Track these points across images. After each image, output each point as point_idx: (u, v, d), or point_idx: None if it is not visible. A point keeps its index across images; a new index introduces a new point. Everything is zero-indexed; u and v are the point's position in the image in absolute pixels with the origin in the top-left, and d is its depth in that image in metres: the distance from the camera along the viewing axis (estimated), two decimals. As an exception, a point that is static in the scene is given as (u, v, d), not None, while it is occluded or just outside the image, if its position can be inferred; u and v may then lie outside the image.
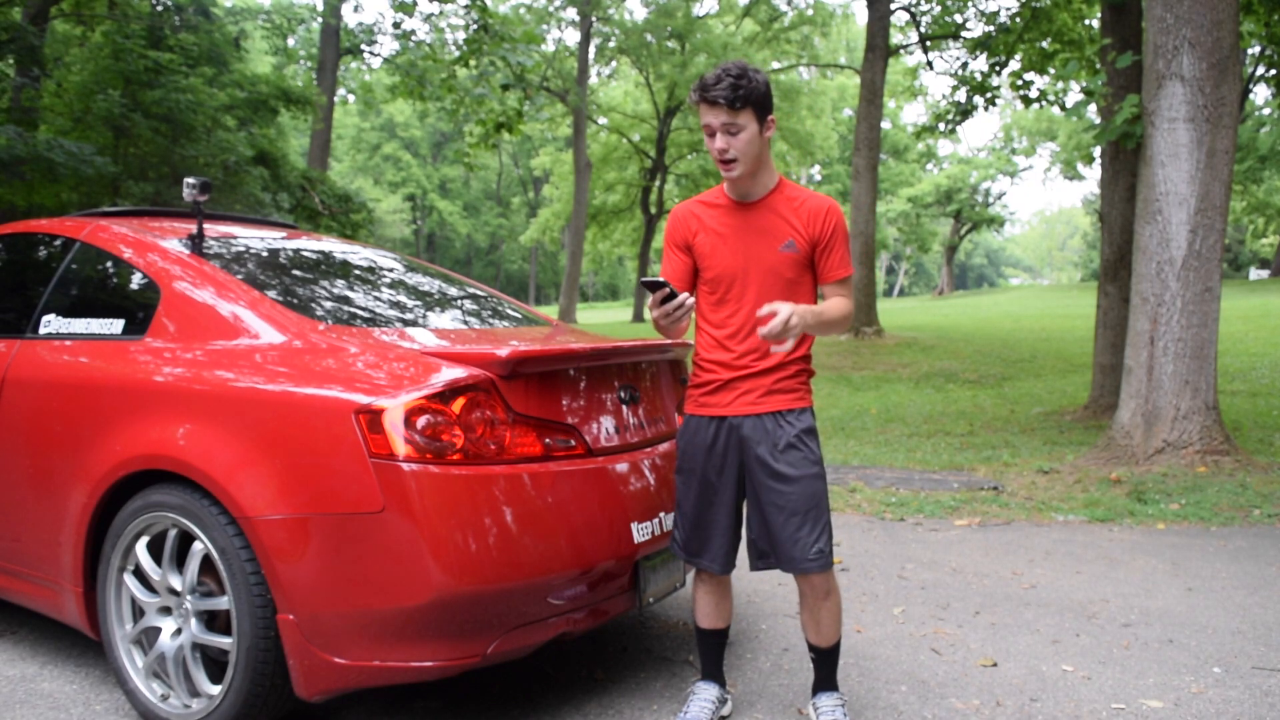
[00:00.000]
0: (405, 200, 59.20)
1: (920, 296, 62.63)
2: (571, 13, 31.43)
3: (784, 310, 2.29)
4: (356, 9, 45.98)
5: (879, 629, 3.54)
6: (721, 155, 2.44)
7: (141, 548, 2.64)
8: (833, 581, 2.60)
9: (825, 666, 2.68)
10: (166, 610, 2.64)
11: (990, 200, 51.93)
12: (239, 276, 2.88)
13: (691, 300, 2.41)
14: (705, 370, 2.60)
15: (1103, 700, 2.90)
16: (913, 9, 18.61)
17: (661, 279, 2.39)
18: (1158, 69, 6.48)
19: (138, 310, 2.89)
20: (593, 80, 35.11)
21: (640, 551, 2.69)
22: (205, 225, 3.21)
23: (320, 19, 22.86)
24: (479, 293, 3.76)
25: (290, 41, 25.90)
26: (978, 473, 6.68)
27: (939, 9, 18.04)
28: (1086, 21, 12.71)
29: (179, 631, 2.60)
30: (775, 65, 32.75)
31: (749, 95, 2.38)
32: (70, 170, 11.47)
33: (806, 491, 2.49)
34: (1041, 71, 12.83)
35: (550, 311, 37.90)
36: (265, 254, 3.24)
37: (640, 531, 2.68)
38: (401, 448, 2.28)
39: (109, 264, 3.13)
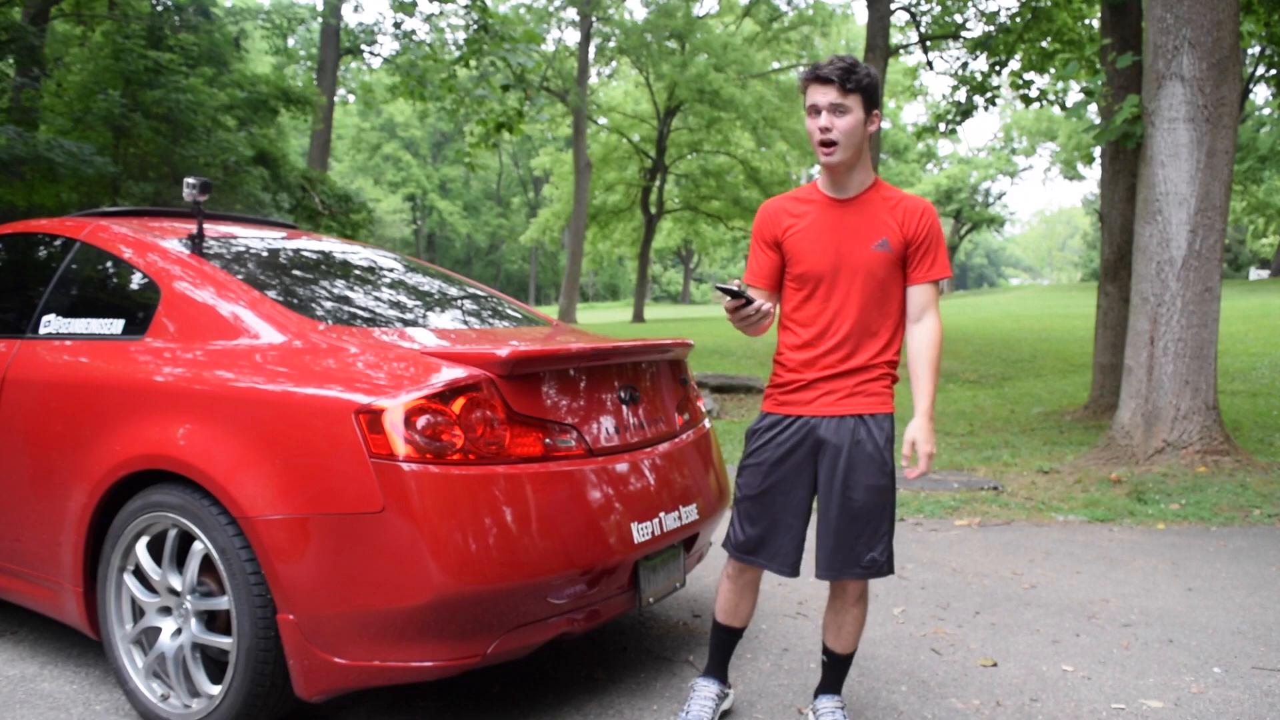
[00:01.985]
0: (405, 200, 59.22)
1: (920, 296, 62.46)
2: (571, 13, 31.43)
3: (921, 448, 2.44)
4: (356, 9, 45.95)
5: (879, 629, 3.54)
6: (824, 134, 2.37)
7: (141, 548, 2.64)
8: (867, 591, 2.58)
9: (834, 672, 2.66)
10: (166, 610, 2.64)
11: (990, 200, 51.98)
12: (239, 276, 2.88)
13: (767, 306, 2.37)
14: (788, 369, 2.53)
15: (1103, 700, 2.90)
16: (913, 9, 18.59)
17: (734, 286, 2.32)
18: (1158, 69, 6.48)
19: (138, 310, 2.89)
20: (593, 80, 35.13)
21: (640, 551, 2.68)
22: (205, 225, 3.21)
23: (320, 19, 22.85)
24: (479, 293, 3.76)
25: (290, 41, 25.90)
26: (978, 473, 6.68)
27: (939, 9, 18.02)
28: (1086, 21, 12.70)
29: (179, 631, 2.60)
30: (775, 65, 32.75)
31: (860, 81, 2.36)
32: (70, 170, 11.47)
33: (872, 500, 2.44)
34: (1041, 71, 12.82)
35: (550, 311, 37.88)
36: (265, 254, 3.24)
37: (640, 531, 2.68)
38: (401, 448, 2.28)
39: (109, 264, 3.13)
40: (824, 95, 2.36)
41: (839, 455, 2.44)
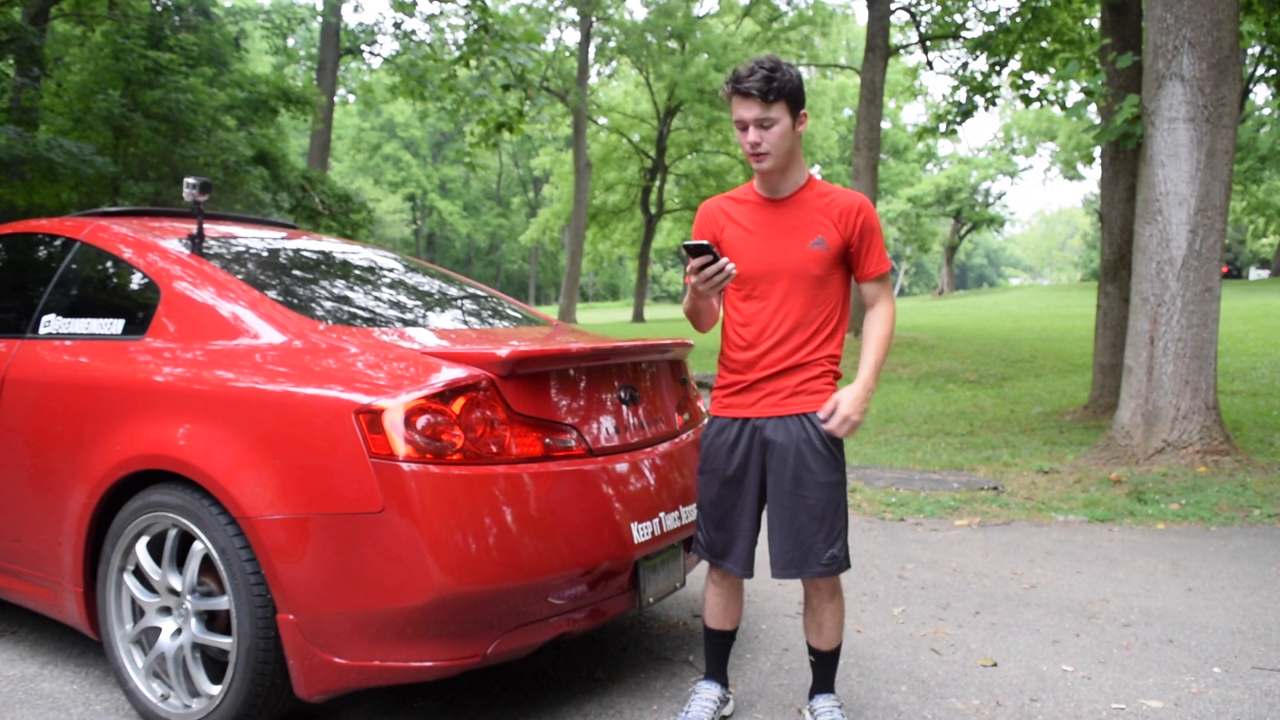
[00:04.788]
0: (405, 200, 59.21)
1: (920, 296, 62.63)
2: (571, 13, 31.42)
3: (841, 408, 2.42)
4: (356, 9, 46.00)
5: (879, 629, 3.54)
6: (754, 149, 2.41)
7: (141, 548, 2.64)
8: (839, 586, 2.60)
9: (824, 670, 2.68)
10: (166, 610, 2.64)
11: (990, 200, 51.93)
12: (239, 276, 2.88)
13: (733, 266, 2.37)
14: (730, 371, 2.57)
15: (1103, 700, 2.90)
16: (913, 9, 18.60)
17: (705, 242, 2.33)
18: (1158, 69, 6.48)
19: (138, 310, 2.89)
20: (593, 80, 35.11)
21: (640, 551, 2.69)
22: (205, 225, 3.21)
23: (320, 19, 22.84)
24: (479, 293, 3.76)
25: (290, 41, 25.91)
26: (978, 473, 6.68)
27: (939, 9, 18.03)
28: (1086, 21, 12.70)
29: (179, 631, 2.60)
30: (775, 65, 32.70)
31: (782, 88, 2.35)
32: (70, 170, 11.46)
33: (825, 497, 2.46)
34: (1041, 71, 12.82)
35: (550, 311, 37.88)
36: (265, 254, 3.24)
37: (640, 531, 2.68)
38: (401, 448, 2.28)
39: (109, 264, 3.13)
40: (749, 110, 2.38)
41: (787, 455, 2.47)
